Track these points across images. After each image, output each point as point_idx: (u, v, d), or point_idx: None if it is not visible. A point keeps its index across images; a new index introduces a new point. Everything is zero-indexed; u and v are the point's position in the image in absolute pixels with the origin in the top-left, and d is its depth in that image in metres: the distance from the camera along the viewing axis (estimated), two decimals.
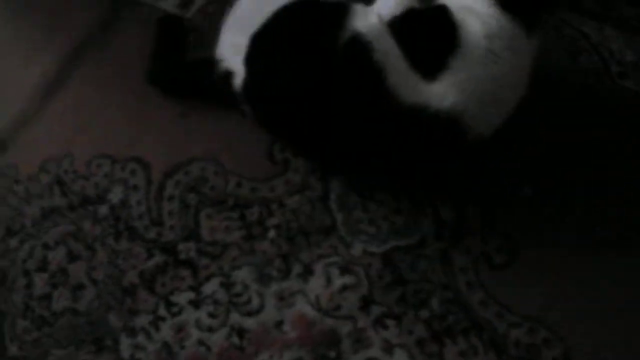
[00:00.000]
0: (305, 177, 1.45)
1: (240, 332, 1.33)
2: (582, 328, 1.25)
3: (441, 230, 1.37)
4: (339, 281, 1.34)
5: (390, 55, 1.18)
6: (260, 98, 1.32)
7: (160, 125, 1.57)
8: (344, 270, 1.35)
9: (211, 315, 1.35)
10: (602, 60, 1.53)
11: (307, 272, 1.36)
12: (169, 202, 1.48)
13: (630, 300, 1.27)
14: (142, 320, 1.37)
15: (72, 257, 1.46)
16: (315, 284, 1.35)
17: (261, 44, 1.30)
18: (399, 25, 1.22)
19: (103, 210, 1.50)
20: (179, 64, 1.62)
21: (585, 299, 1.28)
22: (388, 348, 1.28)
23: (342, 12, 1.23)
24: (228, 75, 1.35)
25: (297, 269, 1.36)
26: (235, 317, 1.34)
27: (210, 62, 1.39)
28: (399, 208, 1.40)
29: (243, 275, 1.37)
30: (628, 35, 1.57)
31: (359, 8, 1.25)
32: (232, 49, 1.36)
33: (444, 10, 1.23)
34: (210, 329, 1.34)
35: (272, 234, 1.40)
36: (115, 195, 1.51)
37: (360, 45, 1.18)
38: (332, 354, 1.28)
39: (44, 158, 1.60)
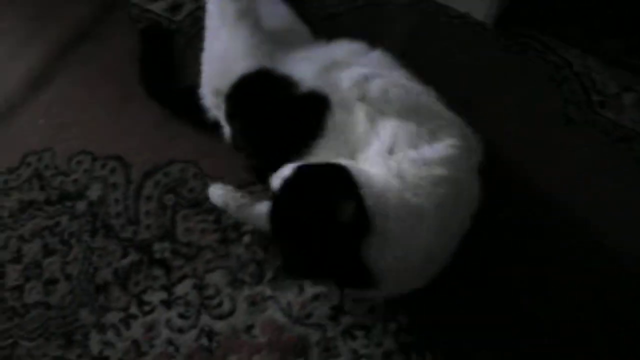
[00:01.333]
0: None
1: (210, 334, 1.34)
2: None
3: None
4: (311, 290, 1.36)
5: None
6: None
7: (144, 126, 1.58)
8: None
9: (182, 316, 1.36)
10: (584, 89, 1.57)
11: (280, 279, 1.37)
12: (146, 202, 1.49)
13: None
14: (113, 318, 1.37)
15: (47, 251, 1.47)
16: (288, 291, 1.36)
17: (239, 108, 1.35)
18: None
19: (81, 206, 1.51)
20: (166, 75, 1.64)
21: None
22: (356, 359, 1.30)
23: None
24: (217, 124, 1.42)
25: (269, 275, 1.38)
26: (205, 319, 1.35)
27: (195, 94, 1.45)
28: None
29: (216, 278, 1.39)
30: (612, 67, 1.60)
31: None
32: (213, 98, 1.41)
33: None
34: (181, 330, 1.35)
35: (247, 239, 1.41)
36: (94, 192, 1.52)
37: None
38: None
39: (25, 151, 1.60)
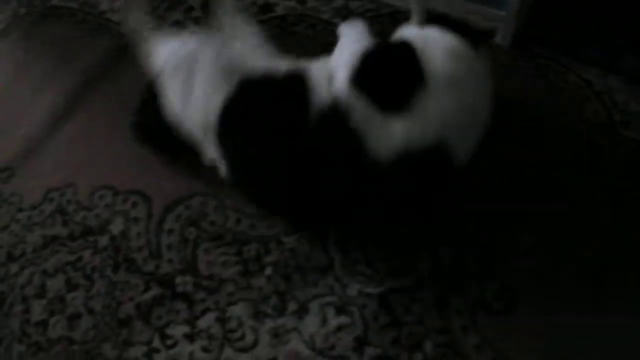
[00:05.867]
0: None
1: None
2: None
3: (438, 272, 1.37)
4: (334, 321, 1.34)
5: (366, 115, 1.18)
6: (245, 184, 1.37)
7: (164, 160, 1.58)
8: (340, 310, 1.35)
9: (205, 349, 1.35)
10: (606, 109, 1.54)
11: (303, 311, 1.36)
12: (168, 236, 1.49)
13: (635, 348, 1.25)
14: (137, 352, 1.37)
15: (71, 286, 1.48)
16: (311, 323, 1.35)
17: (230, 132, 1.32)
18: (361, 72, 1.20)
19: (103, 241, 1.52)
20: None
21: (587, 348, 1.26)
22: None
23: (301, 89, 1.24)
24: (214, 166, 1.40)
25: (292, 306, 1.36)
26: (228, 352, 1.34)
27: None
28: (396, 250, 1.40)
29: (238, 310, 1.38)
30: (632, 85, 1.57)
31: (316, 74, 1.26)
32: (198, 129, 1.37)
33: (405, 46, 1.23)
34: None
35: (268, 271, 1.41)
36: (116, 226, 1.53)
37: (335, 116, 1.19)
38: None
39: (48, 188, 1.63)
